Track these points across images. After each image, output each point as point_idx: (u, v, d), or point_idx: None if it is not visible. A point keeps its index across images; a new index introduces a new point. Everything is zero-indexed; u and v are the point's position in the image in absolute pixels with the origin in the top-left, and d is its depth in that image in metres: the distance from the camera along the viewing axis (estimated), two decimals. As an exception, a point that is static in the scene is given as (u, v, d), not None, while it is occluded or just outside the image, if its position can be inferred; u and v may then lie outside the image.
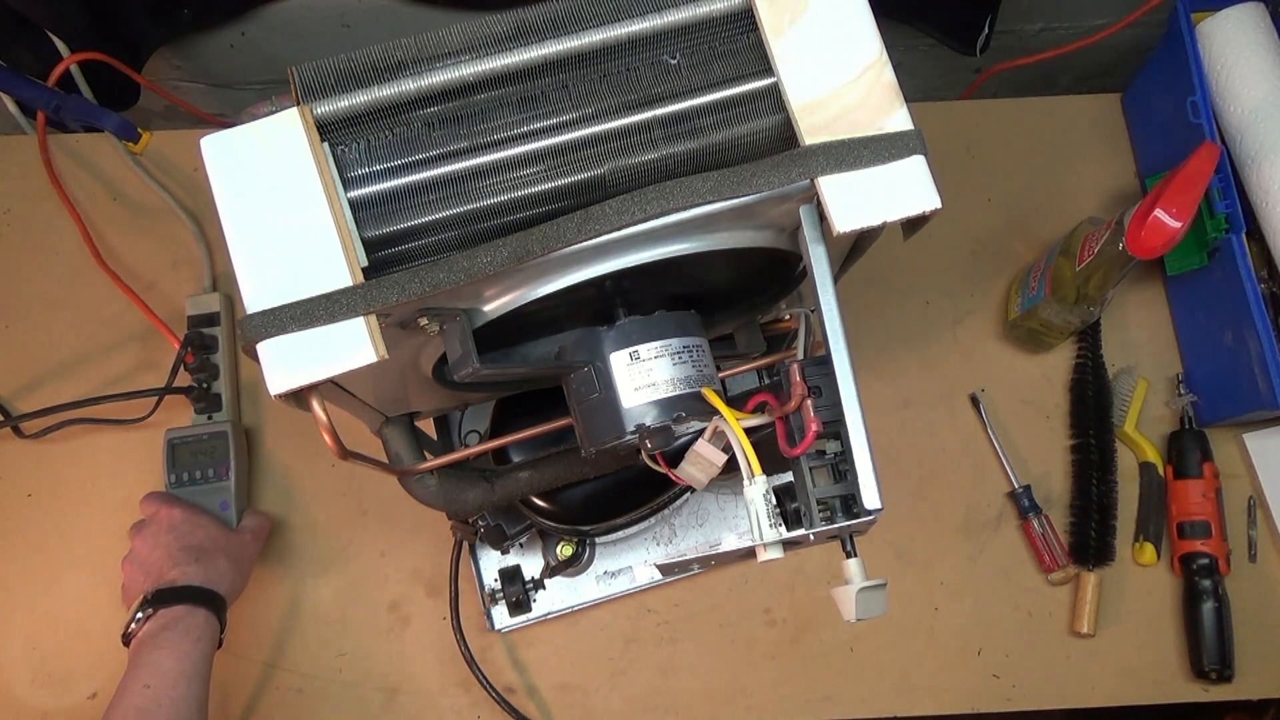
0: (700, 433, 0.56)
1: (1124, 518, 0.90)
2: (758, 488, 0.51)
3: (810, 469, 0.53)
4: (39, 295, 0.95)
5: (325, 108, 0.49)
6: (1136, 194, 0.99)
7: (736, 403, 0.55)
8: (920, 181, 0.49)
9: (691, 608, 0.89)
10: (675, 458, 0.57)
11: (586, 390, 0.57)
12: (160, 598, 0.73)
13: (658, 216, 0.48)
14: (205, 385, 0.89)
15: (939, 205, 0.49)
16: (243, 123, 0.49)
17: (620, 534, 0.87)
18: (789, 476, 0.55)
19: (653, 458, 0.57)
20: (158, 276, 0.95)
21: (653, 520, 0.87)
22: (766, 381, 0.78)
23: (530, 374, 0.62)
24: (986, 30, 1.05)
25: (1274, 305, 0.87)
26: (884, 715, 0.87)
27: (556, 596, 0.87)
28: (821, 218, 0.50)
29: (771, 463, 0.52)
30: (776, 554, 0.51)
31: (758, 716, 0.87)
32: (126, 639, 0.73)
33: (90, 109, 0.94)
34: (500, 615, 0.87)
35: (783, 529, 0.51)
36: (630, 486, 0.78)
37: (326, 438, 0.50)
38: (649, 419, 0.55)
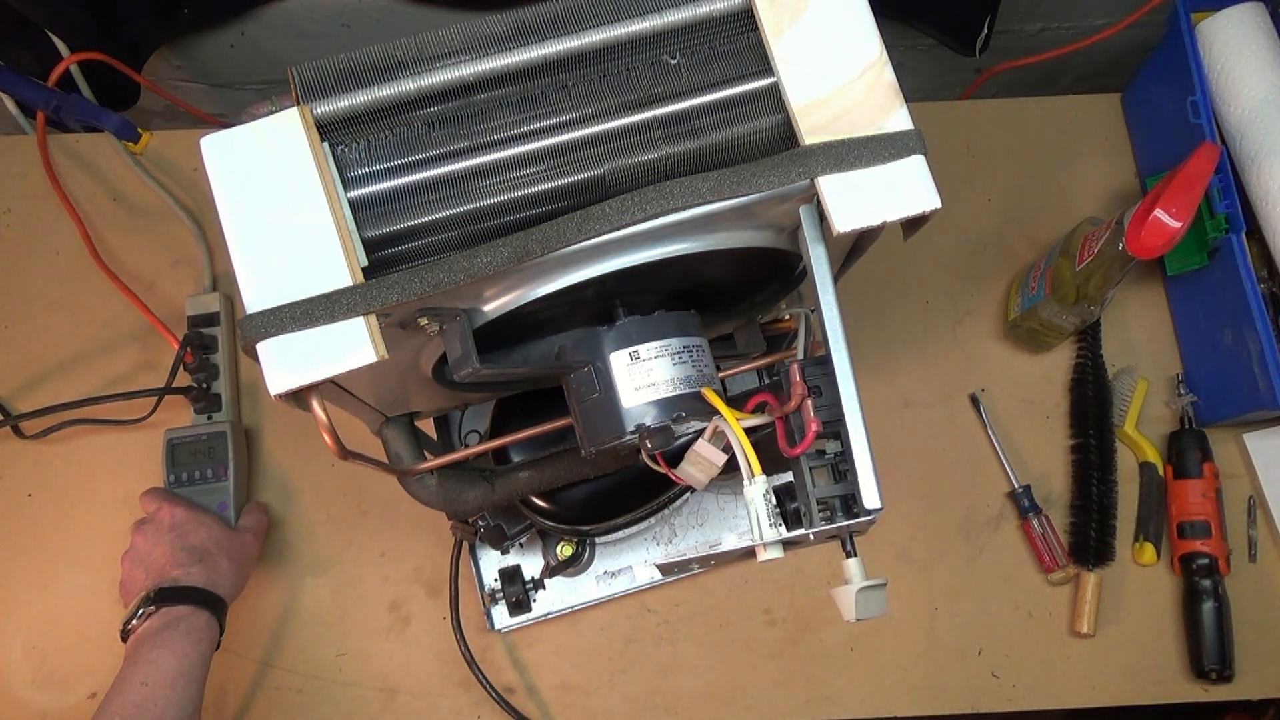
0: (700, 433, 0.56)
1: (1124, 518, 0.90)
2: (758, 488, 0.51)
3: (810, 469, 0.53)
4: (39, 295, 0.95)
5: (325, 108, 0.49)
6: (1136, 194, 0.99)
7: (736, 403, 0.55)
8: (920, 181, 0.49)
9: (691, 608, 0.89)
10: (675, 458, 0.57)
11: (586, 390, 0.57)
12: (163, 596, 0.73)
13: (658, 216, 0.48)
14: (205, 385, 0.89)
15: (939, 205, 0.49)
16: (243, 123, 0.49)
17: (620, 534, 0.87)
18: (789, 476, 0.55)
19: (653, 458, 0.57)
20: (157, 277, 0.95)
21: (653, 520, 0.87)
22: (766, 381, 0.78)
23: (530, 374, 0.62)
24: (986, 30, 1.05)
25: (1274, 305, 0.87)
26: (884, 715, 0.87)
27: (556, 596, 0.87)
28: (821, 218, 0.50)
29: (771, 463, 0.52)
30: (776, 554, 0.51)
31: (758, 716, 0.87)
32: (125, 634, 0.73)
33: (90, 109, 0.94)
34: (500, 615, 0.87)
35: (783, 529, 0.51)
36: (630, 486, 0.78)
37: (326, 438, 0.50)
38: (649, 419, 0.55)
